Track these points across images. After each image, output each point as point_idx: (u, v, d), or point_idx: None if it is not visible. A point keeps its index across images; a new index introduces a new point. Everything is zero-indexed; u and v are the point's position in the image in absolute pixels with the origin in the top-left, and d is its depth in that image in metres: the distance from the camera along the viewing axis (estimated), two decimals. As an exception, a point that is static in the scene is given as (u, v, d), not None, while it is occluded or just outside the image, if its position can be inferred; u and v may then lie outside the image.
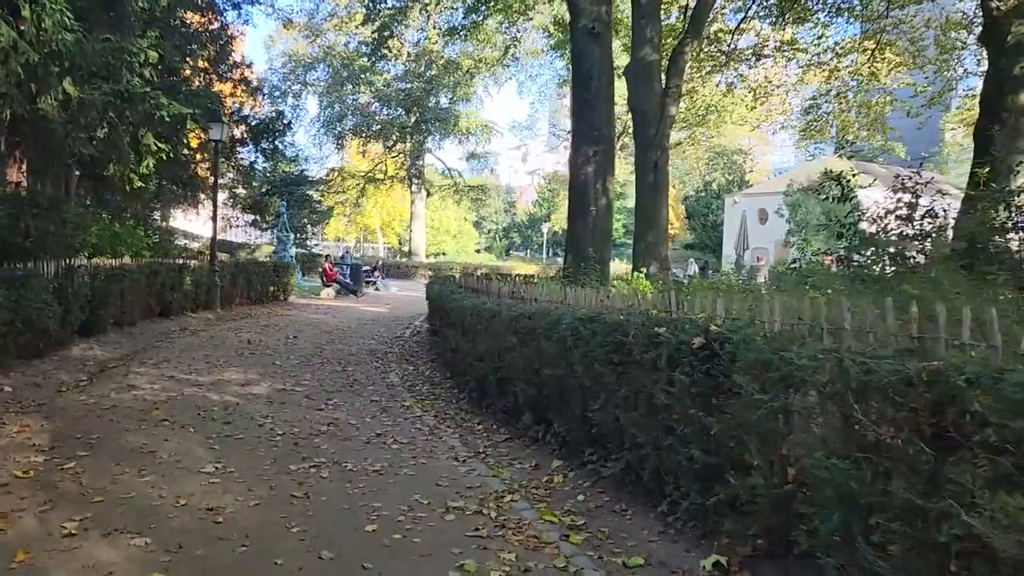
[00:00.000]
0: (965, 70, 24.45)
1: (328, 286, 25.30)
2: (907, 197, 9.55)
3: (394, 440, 6.49)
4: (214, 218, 17.89)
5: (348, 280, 26.32)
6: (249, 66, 24.09)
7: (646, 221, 17.26)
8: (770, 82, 25.09)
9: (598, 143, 12.03)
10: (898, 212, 9.30)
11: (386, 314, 19.93)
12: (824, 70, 24.28)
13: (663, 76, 17.85)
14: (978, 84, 25.43)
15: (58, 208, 10.86)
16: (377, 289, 29.62)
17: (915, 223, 9.59)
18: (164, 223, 28.39)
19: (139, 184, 11.27)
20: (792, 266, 14.32)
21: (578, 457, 5.58)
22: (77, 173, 13.61)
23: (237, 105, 23.33)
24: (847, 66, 24.12)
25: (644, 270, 15.20)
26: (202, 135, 22.07)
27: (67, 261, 10.68)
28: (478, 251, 69.33)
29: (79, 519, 4.29)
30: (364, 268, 29.63)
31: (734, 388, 3.68)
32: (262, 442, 6.22)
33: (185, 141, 14.46)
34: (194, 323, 14.88)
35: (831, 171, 12.15)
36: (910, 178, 9.24)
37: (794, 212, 43.33)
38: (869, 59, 23.26)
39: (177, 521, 4.38)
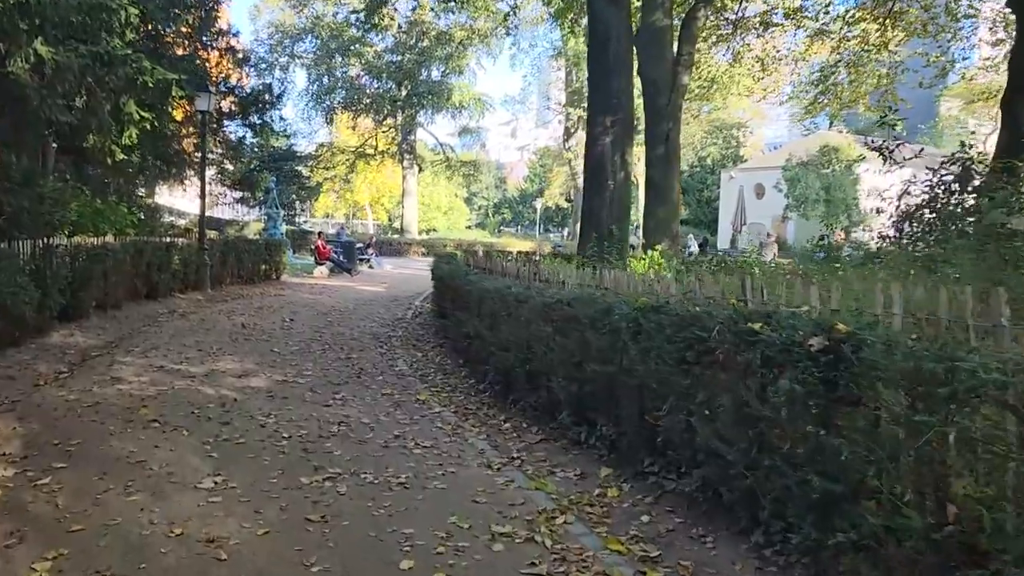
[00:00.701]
0: (980, 39, 23.70)
1: (321, 264, 24.42)
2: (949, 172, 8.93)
3: (415, 443, 5.75)
4: (202, 194, 16.99)
5: (342, 258, 25.44)
6: (235, 35, 23.00)
7: (657, 196, 16.49)
8: (778, 50, 24.22)
9: (616, 112, 11.23)
10: (950, 187, 8.64)
11: (384, 293, 19.14)
12: (832, 39, 23.47)
13: (675, 43, 17.02)
14: (991, 53, 24.69)
15: (34, 183, 10.01)
16: (371, 267, 28.74)
17: (963, 199, 8.94)
18: (149, 200, 27.42)
19: (121, 156, 10.39)
20: (820, 243, 13.66)
21: (632, 465, 4.87)
22: (55, 145, 12.69)
23: (223, 76, 22.27)
24: (856, 35, 23.29)
25: (659, 247, 14.48)
26: (187, 107, 21.11)
27: (45, 240, 9.84)
28: (469, 227, 68.45)
29: (52, 557, 3.54)
30: (357, 245, 28.67)
31: (867, 402, 2.96)
32: (266, 448, 5.47)
33: (170, 111, 13.51)
34: (183, 305, 14.06)
35: (875, 142, 11.46)
36: (965, 152, 8.57)
37: (793, 187, 42.71)
38: (880, 27, 22.51)
39: (171, 557, 3.63)
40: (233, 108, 22.97)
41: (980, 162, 8.61)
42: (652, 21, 15.87)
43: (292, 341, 10.75)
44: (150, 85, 9.29)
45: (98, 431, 5.74)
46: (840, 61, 23.78)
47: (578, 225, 46.26)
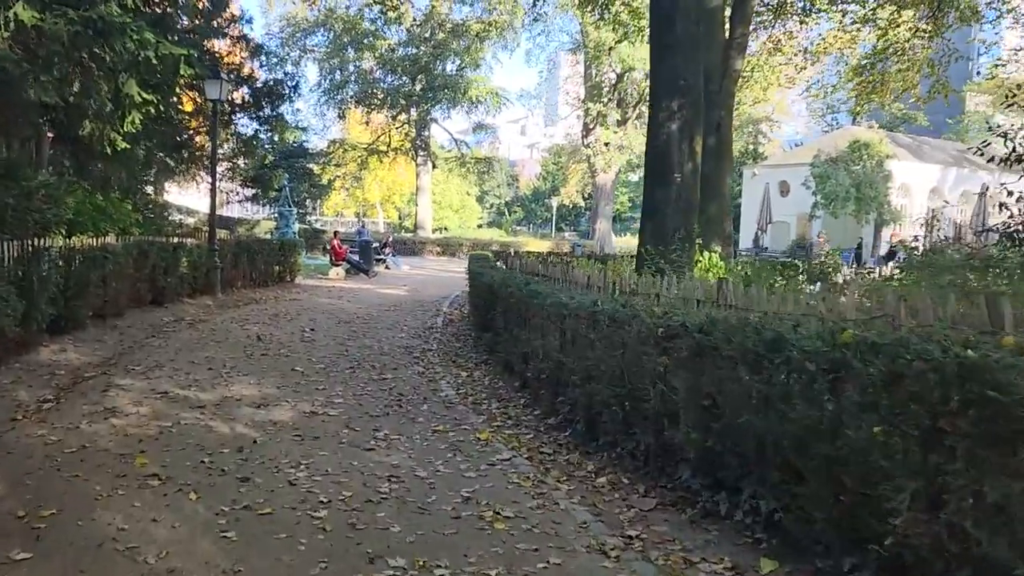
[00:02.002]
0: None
1: (337, 265, 23.08)
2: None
3: (493, 511, 4.38)
4: (212, 191, 15.67)
5: (358, 258, 24.08)
6: (249, 21, 21.73)
7: (708, 191, 15.09)
8: (823, 37, 22.73)
9: (683, 95, 9.84)
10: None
11: (406, 297, 17.80)
12: (880, 27, 22.04)
13: (727, 24, 15.65)
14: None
15: (20, 175, 8.69)
16: (388, 268, 27.37)
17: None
18: (158, 197, 26.27)
19: (123, 146, 9.06)
20: (912, 246, 12.23)
21: (807, 559, 3.50)
22: (50, 135, 11.38)
23: (235, 66, 20.95)
24: (906, 21, 21.85)
25: (718, 250, 13.12)
26: (197, 98, 19.87)
27: (33, 241, 8.53)
28: (480, 226, 67.24)
29: None
30: (373, 245, 27.11)
31: None
32: (300, 522, 4.10)
33: (177, 93, 12.16)
34: (192, 312, 12.76)
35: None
36: None
37: (822, 184, 41.43)
38: (932, 12, 21.17)
39: None
40: (246, 100, 21.69)
41: None
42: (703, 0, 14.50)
43: (315, 356, 9.41)
44: (154, 62, 7.95)
45: (81, 493, 4.41)
46: (888, 48, 22.28)
47: (598, 224, 44.86)
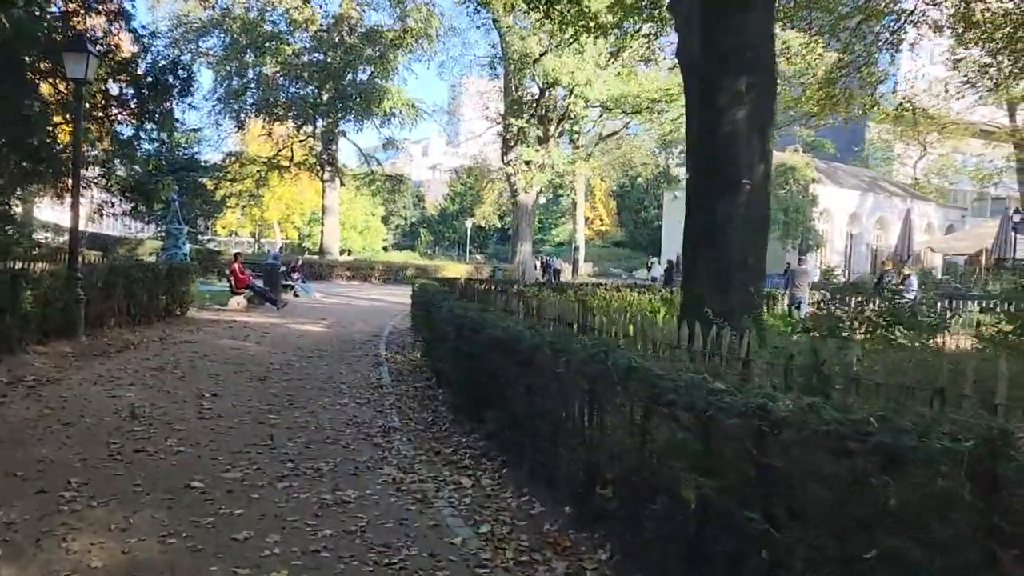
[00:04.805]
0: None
1: (238, 294, 19.29)
2: None
3: None
4: (74, 200, 11.85)
5: (264, 285, 20.33)
6: (130, -1, 17.85)
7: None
8: (787, 44, 20.79)
9: (751, 70, 7.08)
10: None
11: (331, 335, 14.38)
12: (842, 41, 20.48)
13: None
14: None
15: None
16: (296, 295, 23.63)
17: None
18: (19, 211, 21.77)
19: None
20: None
21: None
22: None
23: (111, 48, 17.00)
24: (872, 32, 20.42)
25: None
26: (63, 89, 16.02)
27: None
28: (386, 248, 63.86)
29: None
30: (280, 269, 23.11)
31: None
32: None
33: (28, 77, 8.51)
34: (38, 366, 9.05)
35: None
36: None
37: (750, 207, 40.23)
38: (900, 21, 19.85)
39: None
40: (124, 93, 17.75)
41: None
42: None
43: (224, 451, 6.04)
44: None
45: None
46: (852, 62, 20.67)
47: (522, 246, 41.95)
